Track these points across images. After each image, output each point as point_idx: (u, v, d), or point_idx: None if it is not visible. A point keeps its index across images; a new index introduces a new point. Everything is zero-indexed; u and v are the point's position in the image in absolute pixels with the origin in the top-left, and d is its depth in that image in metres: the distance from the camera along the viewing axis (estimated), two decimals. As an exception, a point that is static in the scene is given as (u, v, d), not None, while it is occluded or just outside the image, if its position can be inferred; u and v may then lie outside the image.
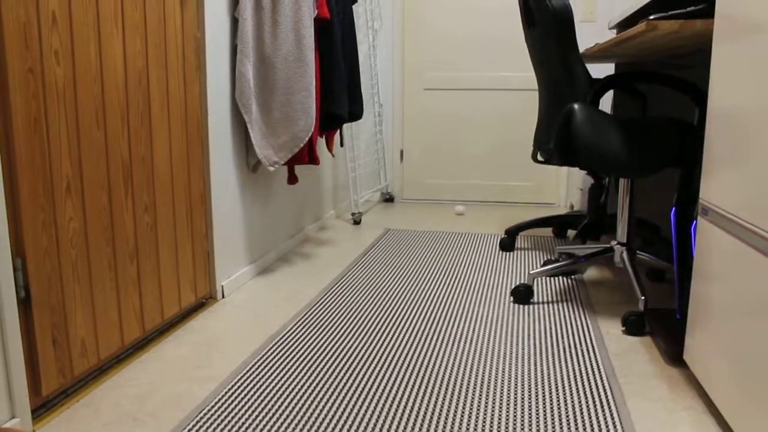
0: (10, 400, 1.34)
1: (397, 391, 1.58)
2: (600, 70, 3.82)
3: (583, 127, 2.01)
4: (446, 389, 1.59)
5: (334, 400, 1.53)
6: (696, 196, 1.61)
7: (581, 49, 3.56)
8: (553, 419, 1.44)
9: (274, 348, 1.84)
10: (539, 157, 2.59)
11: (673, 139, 2.02)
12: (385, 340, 1.90)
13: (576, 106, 2.03)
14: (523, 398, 1.54)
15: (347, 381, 1.63)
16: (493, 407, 1.50)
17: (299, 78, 2.34)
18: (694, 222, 1.62)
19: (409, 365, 1.73)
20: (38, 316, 1.42)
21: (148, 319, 1.85)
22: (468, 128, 4.20)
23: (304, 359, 1.76)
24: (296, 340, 1.89)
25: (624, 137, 2.00)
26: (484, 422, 1.43)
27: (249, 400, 1.53)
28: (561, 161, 2.13)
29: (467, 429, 1.40)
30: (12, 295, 1.32)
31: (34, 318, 1.41)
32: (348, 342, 1.88)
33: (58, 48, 1.44)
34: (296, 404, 1.51)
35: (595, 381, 1.64)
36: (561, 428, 1.40)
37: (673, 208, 1.96)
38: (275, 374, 1.67)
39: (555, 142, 2.08)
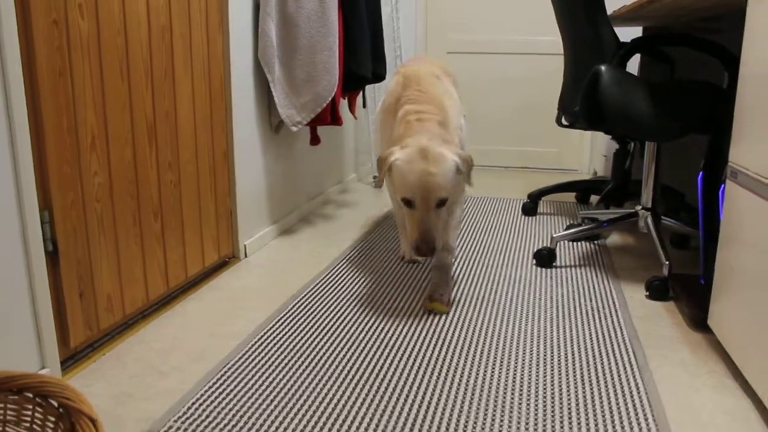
0: (40, 351, 1.36)
1: (419, 349, 1.58)
2: (626, 34, 3.73)
3: (610, 88, 1.98)
4: (468, 347, 1.59)
5: (356, 358, 1.54)
6: (725, 161, 1.58)
7: (608, 11, 3.47)
8: (575, 379, 1.44)
9: (296, 307, 1.85)
10: (564, 121, 2.56)
11: (702, 102, 1.98)
12: (406, 299, 1.90)
13: (603, 67, 1.99)
14: (545, 359, 1.54)
15: (368, 339, 1.64)
16: (516, 367, 1.50)
17: (322, 37, 2.31)
18: (722, 186, 1.59)
19: (430, 324, 1.73)
20: (65, 269, 1.44)
21: (172, 276, 1.87)
22: (491, 93, 4.14)
23: (325, 318, 1.78)
24: (318, 300, 1.90)
25: (652, 100, 1.96)
26: (506, 381, 1.43)
27: (271, 356, 1.55)
28: (587, 124, 2.09)
29: (490, 387, 1.41)
30: (40, 248, 1.34)
31: (61, 271, 1.43)
32: (370, 301, 1.89)
33: (81, 1, 1.43)
34: (318, 361, 1.53)
35: (618, 343, 1.63)
36: (584, 388, 1.40)
37: (701, 173, 1.93)
38: (297, 332, 1.69)
39: (581, 104, 2.05)
